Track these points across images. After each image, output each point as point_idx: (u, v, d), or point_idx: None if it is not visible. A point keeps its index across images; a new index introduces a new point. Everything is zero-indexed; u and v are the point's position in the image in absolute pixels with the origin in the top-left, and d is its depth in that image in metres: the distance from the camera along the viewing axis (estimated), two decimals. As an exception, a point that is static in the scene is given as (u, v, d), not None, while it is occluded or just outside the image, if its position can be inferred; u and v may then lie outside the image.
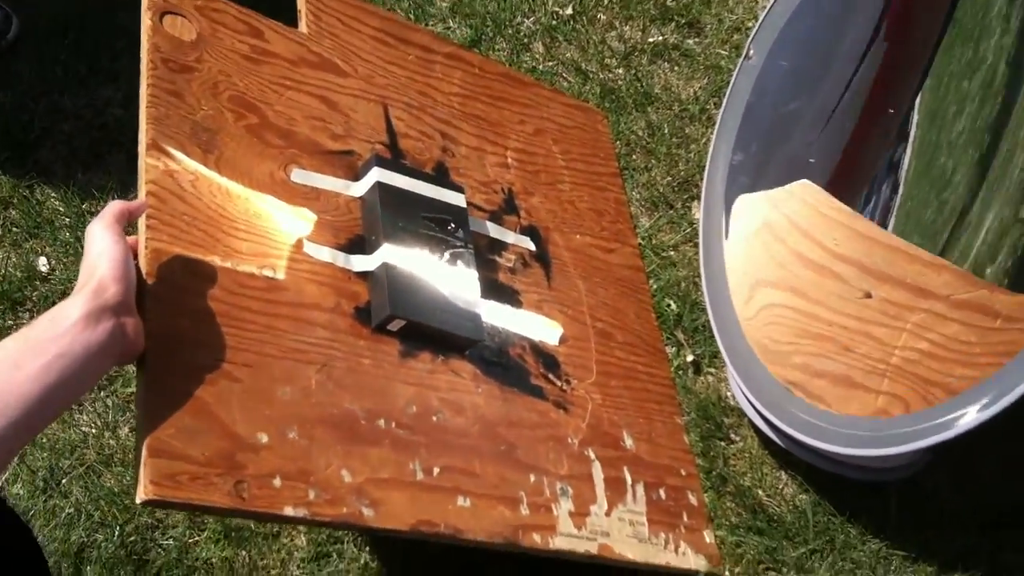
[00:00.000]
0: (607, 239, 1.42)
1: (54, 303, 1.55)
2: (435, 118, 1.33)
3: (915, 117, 1.16)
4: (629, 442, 1.21)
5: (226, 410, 0.91)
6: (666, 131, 1.59)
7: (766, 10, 1.35)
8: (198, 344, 0.93)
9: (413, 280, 1.09)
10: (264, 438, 0.92)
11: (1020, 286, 1.01)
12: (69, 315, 0.82)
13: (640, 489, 1.18)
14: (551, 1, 1.80)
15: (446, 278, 1.12)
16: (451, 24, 1.84)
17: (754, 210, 1.26)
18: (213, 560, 1.24)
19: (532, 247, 1.30)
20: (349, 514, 0.93)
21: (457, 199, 1.21)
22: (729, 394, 1.32)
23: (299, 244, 1.07)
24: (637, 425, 1.23)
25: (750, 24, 1.76)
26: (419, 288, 1.09)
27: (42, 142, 1.69)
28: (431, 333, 1.09)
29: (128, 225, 0.93)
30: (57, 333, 0.81)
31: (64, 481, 1.33)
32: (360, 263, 1.10)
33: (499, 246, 1.27)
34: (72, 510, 1.30)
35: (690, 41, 1.73)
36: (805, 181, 1.22)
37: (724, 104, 1.38)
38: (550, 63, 1.72)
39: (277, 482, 0.91)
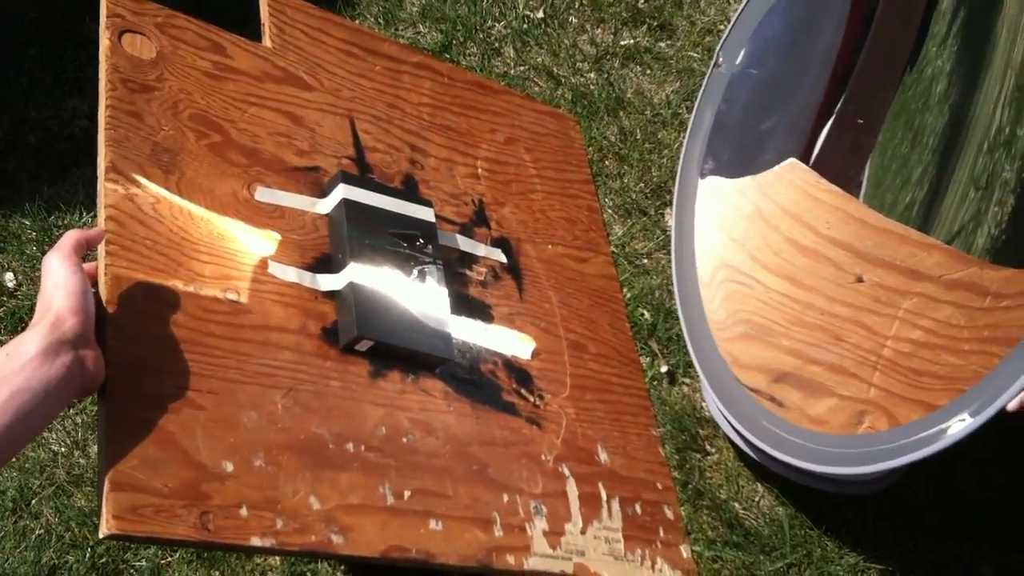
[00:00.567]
0: (580, 248, 1.41)
1: (21, 318, 1.53)
2: (403, 130, 1.32)
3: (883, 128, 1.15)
4: (604, 456, 1.20)
5: (190, 439, 0.90)
6: (639, 136, 1.58)
7: (735, 16, 1.34)
8: (160, 372, 0.92)
9: (381, 299, 1.07)
10: (229, 467, 0.91)
11: (1005, 259, 1.01)
12: (26, 350, 0.80)
13: (616, 505, 1.17)
14: (522, 4, 1.78)
15: (415, 296, 1.10)
16: (421, 29, 1.82)
17: (737, 197, 1.24)
18: (185, 583, 1.23)
19: (503, 259, 1.29)
20: (318, 542, 0.92)
21: (426, 213, 1.19)
22: (704, 405, 1.31)
23: (264, 264, 1.05)
24: (612, 439, 1.22)
25: (722, 26, 1.75)
26: (387, 307, 1.07)
27: (7, 154, 1.67)
28: (400, 353, 1.07)
29: (87, 253, 0.91)
30: (14, 369, 0.79)
31: (34, 502, 1.31)
32: (327, 283, 1.08)
33: (469, 259, 1.25)
34: (42, 531, 1.28)
35: (662, 44, 1.72)
36: (793, 160, 1.20)
37: (694, 111, 1.37)
38: (521, 68, 1.71)
39: (243, 512, 0.89)
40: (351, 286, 1.06)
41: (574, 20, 1.78)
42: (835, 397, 1.05)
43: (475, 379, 1.15)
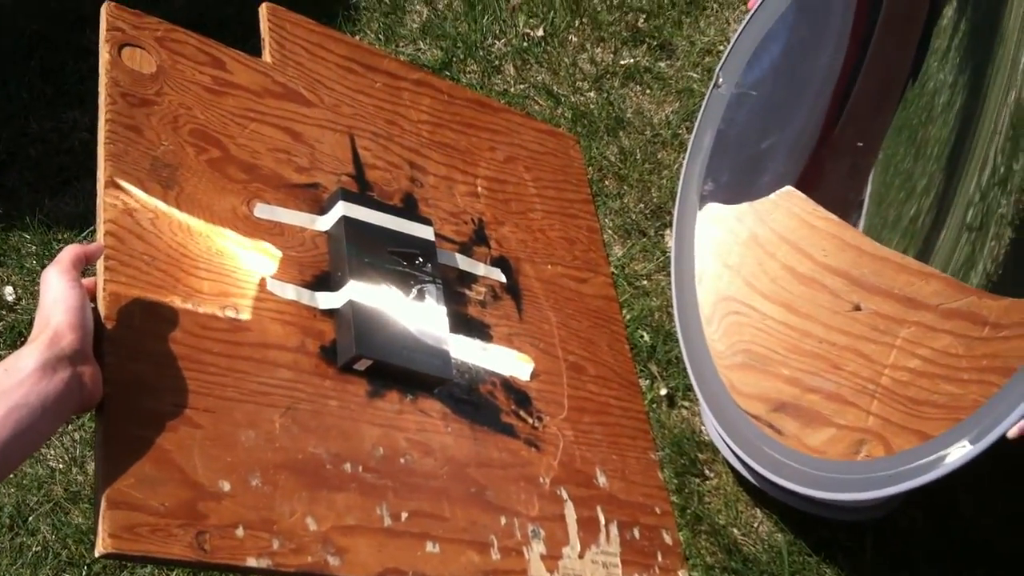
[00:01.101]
0: (579, 268, 1.40)
1: (20, 333, 1.52)
2: (403, 147, 1.31)
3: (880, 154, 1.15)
4: (602, 480, 1.19)
5: (187, 458, 0.89)
6: (638, 156, 1.58)
7: (735, 37, 1.34)
8: (158, 389, 0.91)
9: (380, 318, 1.07)
10: (226, 486, 0.90)
11: (1003, 290, 1.01)
12: (24, 366, 0.80)
13: (614, 529, 1.16)
14: (522, 23, 1.78)
15: (414, 315, 1.10)
16: (421, 46, 1.82)
17: (734, 224, 1.24)
18: (179, 601, 1.22)
19: (503, 279, 1.29)
20: (314, 563, 0.91)
21: (425, 232, 1.19)
22: (703, 428, 1.30)
23: (263, 282, 1.04)
24: (610, 462, 1.21)
25: (721, 47, 1.75)
26: (386, 326, 1.07)
27: (8, 167, 1.67)
28: (399, 372, 1.07)
29: (85, 269, 0.90)
30: (11, 385, 0.79)
31: (31, 518, 1.30)
32: (325, 300, 1.08)
33: (469, 279, 1.25)
34: (39, 548, 1.27)
35: (662, 64, 1.72)
36: (789, 188, 1.20)
37: (694, 132, 1.37)
38: (522, 86, 1.71)
39: (240, 532, 0.88)
40: (350, 304, 1.06)
41: (574, 39, 1.78)
42: (833, 427, 1.04)
43: (474, 400, 1.14)
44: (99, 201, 0.99)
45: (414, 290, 1.12)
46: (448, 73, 1.73)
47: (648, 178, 1.55)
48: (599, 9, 1.76)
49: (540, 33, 1.78)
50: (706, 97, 1.37)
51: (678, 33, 1.77)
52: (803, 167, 1.23)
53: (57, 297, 0.84)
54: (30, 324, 1.48)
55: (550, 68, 1.74)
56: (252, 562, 0.88)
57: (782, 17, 1.32)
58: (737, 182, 1.30)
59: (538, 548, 1.08)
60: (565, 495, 1.14)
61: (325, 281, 1.09)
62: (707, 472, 1.28)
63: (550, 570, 1.07)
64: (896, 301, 1.05)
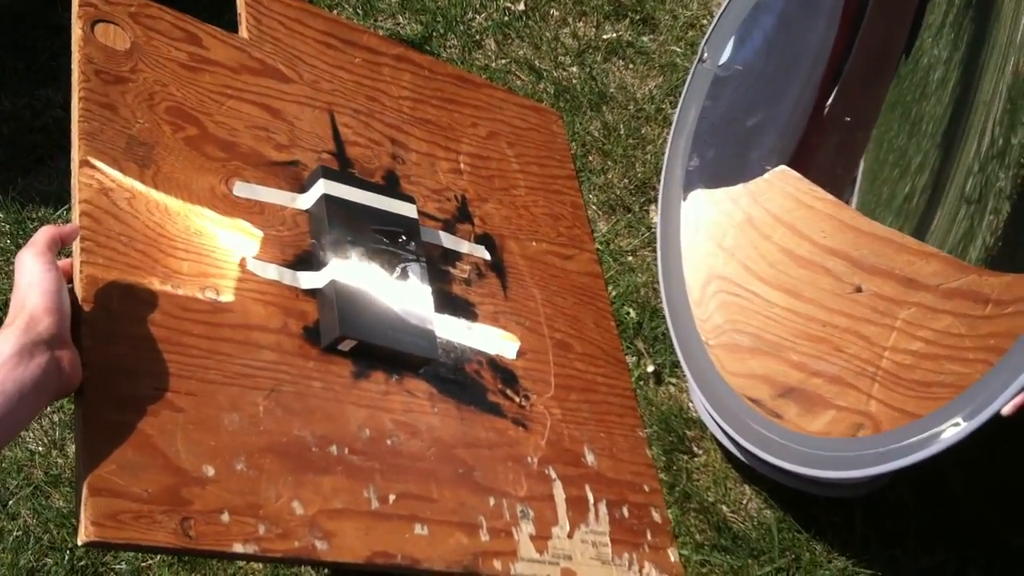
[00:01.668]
0: (564, 245, 1.39)
1: (-8, 316, 1.49)
2: (384, 124, 1.29)
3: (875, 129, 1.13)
4: (590, 458, 1.18)
5: (169, 442, 0.87)
6: (622, 132, 1.56)
7: (720, 11, 1.33)
8: (138, 373, 0.89)
9: (363, 297, 1.05)
10: (210, 471, 0.88)
11: (1003, 266, 1.00)
12: (0, 351, 0.77)
13: (603, 508, 1.15)
14: (503, -3, 1.76)
15: (398, 294, 1.08)
16: (401, 20, 1.79)
17: (728, 205, 1.22)
18: (164, 585, 1.20)
19: (487, 256, 1.27)
20: (301, 548, 0.89)
21: (408, 209, 1.17)
22: (691, 405, 1.29)
23: (243, 262, 1.02)
24: (598, 440, 1.20)
25: (705, 21, 1.73)
26: (369, 306, 1.05)
27: (-22, 147, 1.63)
28: (383, 353, 1.05)
29: (61, 250, 0.88)
30: None
31: (11, 503, 1.28)
32: (308, 280, 1.06)
33: (453, 256, 1.23)
34: (20, 533, 1.25)
35: (645, 38, 1.70)
36: (784, 168, 1.18)
37: (679, 108, 1.35)
38: (503, 61, 1.69)
39: (225, 517, 0.87)
40: (333, 284, 1.04)
41: (556, 13, 1.75)
42: (833, 409, 1.03)
43: (460, 379, 1.12)
44: (74, 181, 0.96)
45: (398, 269, 1.10)
46: (428, 48, 1.70)
47: (632, 153, 1.53)
48: (580, -18, 1.74)
49: (521, 7, 1.75)
50: (691, 72, 1.35)
51: (660, 7, 1.75)
52: (794, 144, 1.21)
53: (32, 280, 0.82)
54: (5, 305, 1.45)
55: (532, 43, 1.71)
56: (238, 548, 0.86)
57: (768, -9, 1.31)
58: (724, 158, 1.28)
59: (527, 528, 1.06)
60: (553, 474, 1.13)
61: (307, 260, 1.07)
62: (695, 449, 1.27)
63: (539, 550, 1.06)
64: (896, 282, 1.03)
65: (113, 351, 0.88)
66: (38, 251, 0.84)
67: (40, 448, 1.31)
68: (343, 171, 1.18)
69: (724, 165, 1.29)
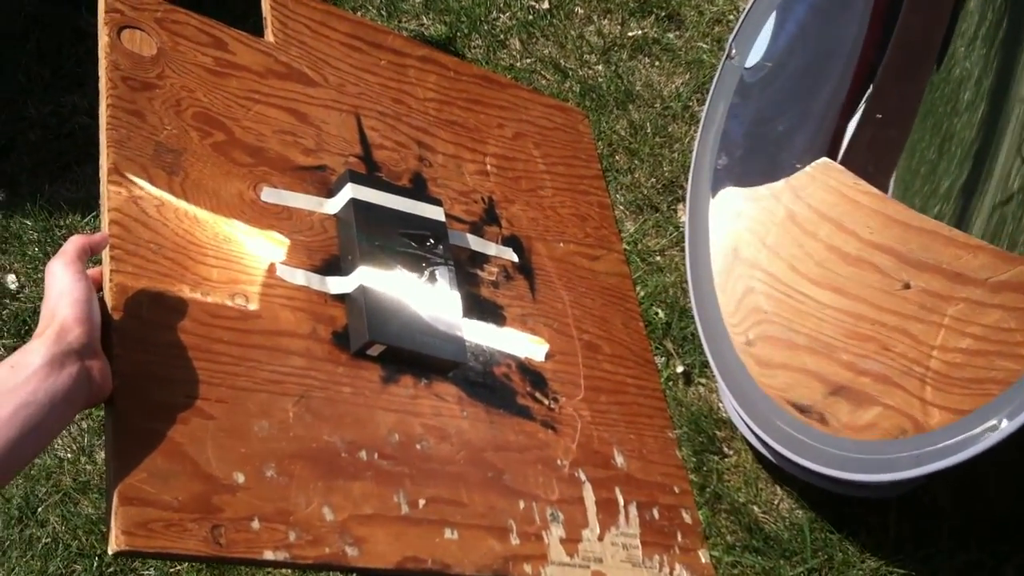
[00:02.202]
0: (591, 246, 1.38)
1: (24, 321, 1.50)
2: (410, 126, 1.29)
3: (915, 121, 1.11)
4: (620, 460, 1.18)
5: (200, 450, 0.87)
6: (649, 130, 1.55)
7: (747, 6, 1.31)
8: (168, 381, 0.89)
9: (392, 302, 1.05)
10: (241, 478, 0.88)
11: None
12: (31, 362, 0.78)
13: (633, 510, 1.14)
14: (527, -5, 1.75)
15: (426, 298, 1.08)
16: (425, 21, 1.79)
17: (770, 202, 1.20)
18: (194, 590, 1.21)
19: (515, 258, 1.26)
20: (332, 555, 0.89)
21: (435, 212, 1.16)
22: (721, 405, 1.28)
23: (271, 268, 1.02)
24: (628, 442, 1.20)
25: (731, 16, 1.72)
26: (398, 310, 1.05)
27: (7, 153, 1.64)
28: (412, 357, 1.05)
29: (91, 259, 0.88)
30: (19, 382, 0.77)
31: (40, 509, 1.28)
32: (336, 285, 1.06)
33: (480, 259, 1.22)
34: (49, 540, 1.26)
35: (670, 35, 1.69)
36: (826, 160, 1.16)
37: (707, 105, 1.34)
38: (528, 60, 1.68)
39: (255, 524, 0.87)
40: (361, 289, 1.04)
41: (580, 10, 1.74)
42: (880, 406, 1.02)
43: (489, 383, 1.12)
44: (103, 189, 0.96)
45: (426, 272, 1.10)
46: (453, 49, 1.70)
47: (659, 152, 1.52)
48: (605, -21, 1.73)
49: (545, 5, 1.75)
50: (719, 69, 1.34)
51: (686, 3, 1.73)
52: (827, 141, 1.19)
53: (63, 290, 0.82)
54: (34, 312, 1.46)
55: (557, 41, 1.71)
56: (269, 555, 0.86)
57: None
58: (753, 156, 1.27)
59: (557, 532, 1.06)
60: (583, 477, 1.13)
61: (335, 265, 1.07)
62: (726, 450, 1.26)
63: (570, 554, 1.05)
64: (944, 277, 1.02)
65: (143, 359, 0.88)
66: (68, 260, 0.84)
67: (69, 455, 1.31)
68: (370, 175, 1.18)
69: (754, 163, 1.28)
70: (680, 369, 1.31)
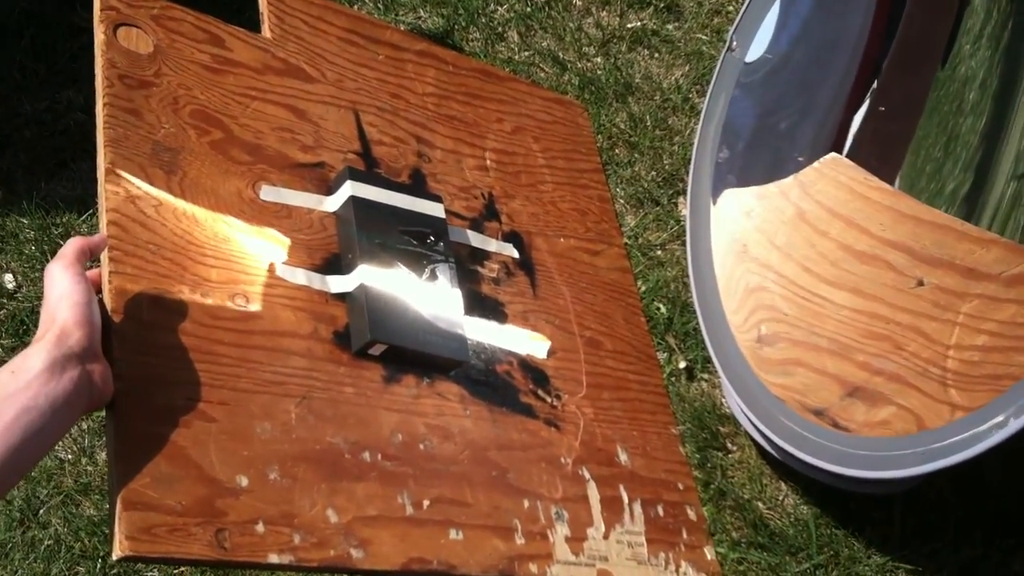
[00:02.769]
0: (592, 240, 1.37)
1: (22, 321, 1.49)
2: (409, 121, 1.28)
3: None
4: (624, 457, 1.17)
5: (202, 453, 0.87)
6: (649, 123, 1.54)
7: (748, -2, 1.31)
8: (169, 384, 0.88)
9: (393, 301, 1.04)
10: (244, 481, 0.88)
11: None
12: (31, 366, 0.77)
13: (637, 507, 1.14)
14: (524, -13, 1.74)
15: (427, 296, 1.07)
16: (421, 14, 1.78)
17: (778, 200, 1.19)
18: (196, 591, 1.20)
19: (515, 254, 1.26)
20: (337, 557, 0.89)
21: (435, 209, 1.15)
22: (724, 401, 1.28)
23: (271, 267, 1.01)
24: (631, 439, 1.19)
25: (731, 7, 1.71)
26: (400, 309, 1.04)
27: (2, 150, 1.63)
28: (414, 356, 1.04)
29: (90, 261, 0.87)
30: (19, 387, 0.76)
31: (42, 511, 1.28)
32: (337, 284, 1.05)
33: (481, 255, 1.22)
34: (51, 542, 1.25)
35: (669, 26, 1.68)
36: (835, 156, 1.15)
37: (707, 98, 1.33)
38: (526, 53, 1.67)
39: (260, 528, 0.86)
40: (362, 288, 1.03)
41: (578, 2, 1.73)
42: (894, 406, 1.01)
43: (491, 381, 1.11)
44: (100, 189, 0.95)
45: (427, 270, 1.09)
46: (450, 42, 1.69)
47: (659, 145, 1.52)
48: (602, -29, 1.72)
49: (543, -3, 1.74)
50: (719, 61, 1.33)
51: (684, -7, 1.72)
52: (830, 135, 1.18)
53: (62, 293, 0.82)
54: (32, 312, 1.45)
55: (555, 34, 1.70)
56: (274, 559, 0.85)
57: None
58: (755, 149, 1.26)
59: (562, 531, 1.05)
60: (587, 475, 1.12)
61: (335, 264, 1.06)
62: (729, 445, 1.25)
63: (575, 552, 1.05)
64: (958, 273, 1.01)
65: (144, 362, 0.88)
66: (67, 263, 0.83)
67: (70, 456, 1.31)
68: (369, 171, 1.17)
69: (755, 156, 1.27)
70: (683, 365, 1.31)
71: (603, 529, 1.09)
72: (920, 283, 1.02)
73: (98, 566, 1.21)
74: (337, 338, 1.02)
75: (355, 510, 0.92)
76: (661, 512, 1.16)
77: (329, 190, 1.12)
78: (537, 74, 1.64)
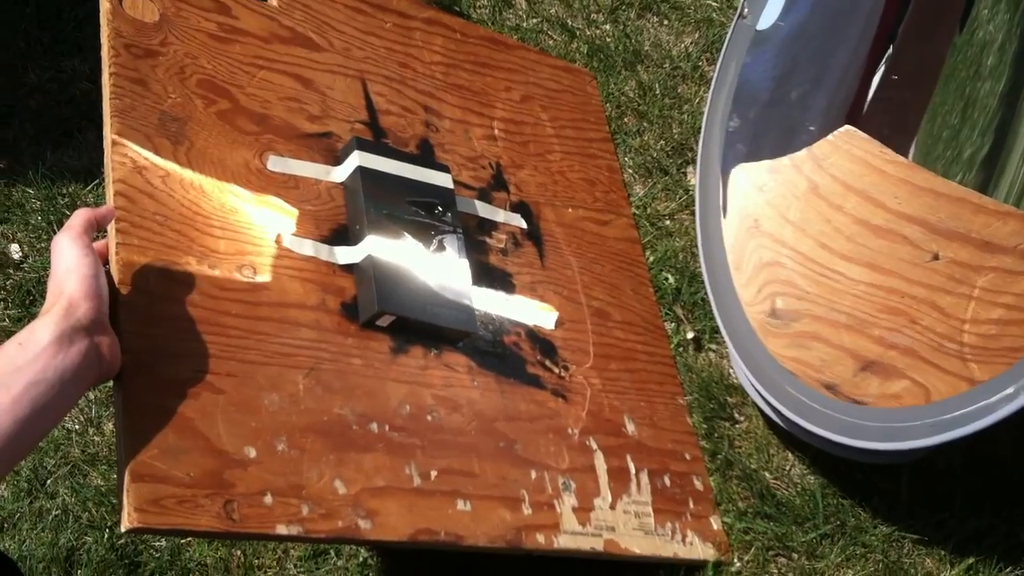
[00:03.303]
0: (600, 211, 1.37)
1: (29, 291, 1.49)
2: (417, 91, 1.27)
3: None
4: (631, 428, 1.17)
5: (210, 425, 0.87)
6: (658, 91, 1.52)
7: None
8: (177, 356, 0.88)
9: (401, 272, 1.04)
10: (252, 452, 0.88)
11: None
12: (40, 339, 0.77)
13: (644, 477, 1.14)
14: (532, -47, 1.72)
15: (435, 267, 1.07)
16: (429, -20, 1.76)
17: (791, 174, 1.18)
18: (207, 561, 1.20)
19: (523, 225, 1.25)
20: (345, 528, 0.89)
21: (443, 179, 1.15)
22: (732, 372, 1.28)
23: (279, 238, 1.01)
24: (638, 409, 1.19)
25: (741, -27, 1.68)
26: (407, 280, 1.04)
27: (8, 120, 1.62)
28: (422, 327, 1.04)
29: (97, 232, 0.87)
30: (28, 359, 0.76)
31: (49, 482, 1.28)
32: (344, 255, 1.04)
33: (489, 226, 1.21)
34: (59, 512, 1.25)
35: (679, -8, 1.66)
36: (849, 128, 1.13)
37: (718, 67, 1.32)
38: (534, 20, 1.65)
39: (268, 499, 0.86)
40: (370, 259, 1.03)
41: (587, -31, 1.71)
42: (908, 380, 1.00)
43: (499, 352, 1.11)
44: (107, 160, 0.95)
45: (434, 241, 1.09)
46: (458, 9, 1.67)
47: (669, 114, 1.50)
48: (611, -64, 1.70)
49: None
50: (731, 28, 1.32)
51: (694, -41, 1.70)
52: (843, 104, 1.17)
53: (70, 265, 0.81)
54: (39, 282, 1.45)
55: (563, 0, 1.68)
56: (282, 530, 0.86)
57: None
58: (766, 118, 1.25)
59: (569, 501, 1.06)
60: (594, 445, 1.12)
61: (343, 235, 1.06)
62: (737, 416, 1.25)
63: (582, 522, 1.05)
64: (974, 246, 0.99)
65: (152, 334, 0.88)
66: (75, 235, 0.83)
67: (76, 426, 1.31)
68: (377, 141, 1.16)
69: (766, 125, 1.25)
70: (690, 335, 1.30)
71: (610, 499, 1.09)
72: (935, 257, 1.01)
73: (106, 536, 1.22)
74: (345, 309, 1.01)
75: (363, 481, 0.92)
76: (668, 482, 1.16)
77: (337, 160, 1.11)
78: (545, 42, 1.63)
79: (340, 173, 1.10)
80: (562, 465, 1.08)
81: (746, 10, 1.30)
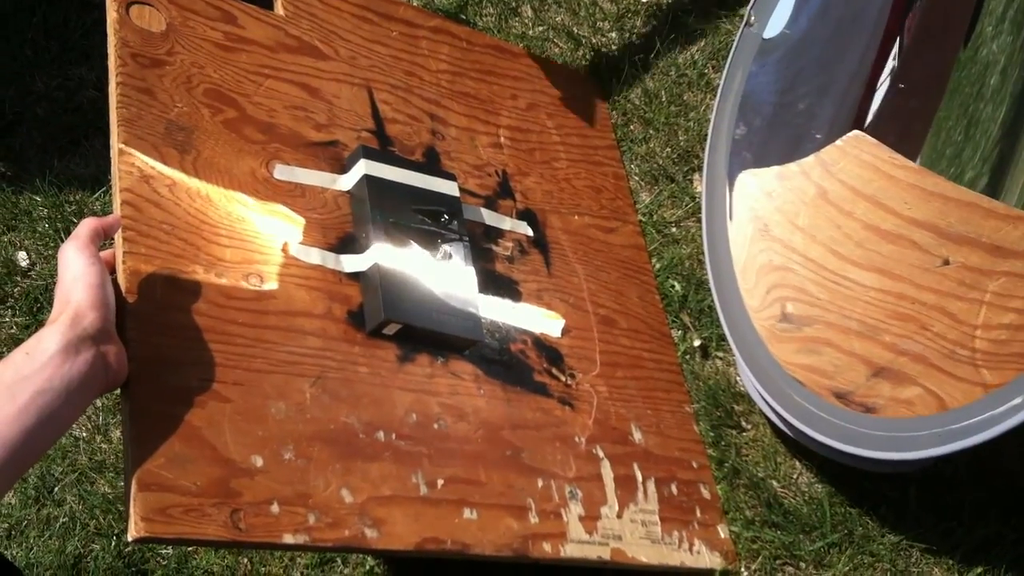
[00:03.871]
0: (606, 218, 1.37)
1: (36, 299, 1.49)
2: (423, 99, 1.27)
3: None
4: (638, 436, 1.17)
5: (217, 434, 0.87)
6: (664, 99, 1.52)
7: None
8: (184, 364, 0.88)
9: (407, 280, 1.04)
10: (259, 461, 0.88)
11: None
12: (46, 348, 0.77)
13: (651, 486, 1.14)
14: (538, -39, 1.72)
15: (441, 276, 1.07)
16: (435, -11, 1.76)
17: (800, 180, 1.17)
18: (214, 568, 1.20)
19: (529, 232, 1.25)
20: (351, 537, 0.89)
21: (449, 187, 1.15)
22: (739, 379, 1.27)
23: (285, 247, 1.01)
24: (645, 417, 1.19)
25: (746, -20, 1.68)
26: (413, 289, 1.04)
27: (15, 128, 1.62)
28: (428, 336, 1.04)
29: (104, 241, 0.87)
30: (35, 368, 0.76)
31: (56, 489, 1.28)
32: (351, 263, 1.05)
33: (495, 234, 1.21)
34: (67, 519, 1.26)
35: (685, 0, 1.66)
36: (858, 133, 1.13)
37: (724, 74, 1.32)
38: (540, 28, 1.65)
39: (275, 508, 0.86)
40: (376, 267, 1.03)
41: (592, -23, 1.71)
42: (919, 387, 1.00)
43: (505, 360, 1.11)
44: (114, 169, 0.95)
45: (441, 249, 1.09)
46: (464, 17, 1.67)
47: (675, 120, 1.50)
48: (617, -56, 1.70)
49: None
50: (737, 36, 1.31)
51: (699, -33, 1.70)
52: (850, 112, 1.16)
53: (77, 275, 0.81)
54: (46, 290, 1.45)
55: (569, 8, 1.68)
56: (289, 539, 0.86)
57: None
58: (772, 126, 1.25)
59: (576, 509, 1.06)
60: (601, 453, 1.12)
61: (349, 243, 1.06)
62: (744, 424, 1.25)
63: (589, 531, 1.05)
64: (984, 251, 0.99)
65: (159, 343, 0.88)
66: (81, 244, 0.83)
67: (84, 434, 1.31)
68: (383, 149, 1.16)
69: (773, 132, 1.25)
70: (697, 342, 1.30)
71: (617, 508, 1.09)
72: (946, 262, 1.01)
73: (113, 543, 1.22)
74: (351, 318, 1.01)
75: (369, 490, 0.92)
76: (675, 490, 1.16)
77: (343, 169, 1.11)
78: (551, 50, 1.63)
79: (346, 181, 1.10)
80: (569, 473, 1.08)
81: (752, 18, 1.30)
